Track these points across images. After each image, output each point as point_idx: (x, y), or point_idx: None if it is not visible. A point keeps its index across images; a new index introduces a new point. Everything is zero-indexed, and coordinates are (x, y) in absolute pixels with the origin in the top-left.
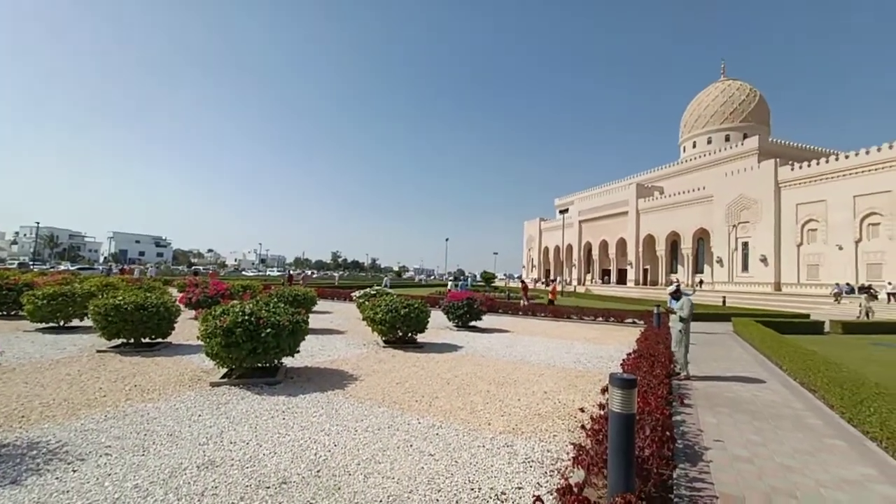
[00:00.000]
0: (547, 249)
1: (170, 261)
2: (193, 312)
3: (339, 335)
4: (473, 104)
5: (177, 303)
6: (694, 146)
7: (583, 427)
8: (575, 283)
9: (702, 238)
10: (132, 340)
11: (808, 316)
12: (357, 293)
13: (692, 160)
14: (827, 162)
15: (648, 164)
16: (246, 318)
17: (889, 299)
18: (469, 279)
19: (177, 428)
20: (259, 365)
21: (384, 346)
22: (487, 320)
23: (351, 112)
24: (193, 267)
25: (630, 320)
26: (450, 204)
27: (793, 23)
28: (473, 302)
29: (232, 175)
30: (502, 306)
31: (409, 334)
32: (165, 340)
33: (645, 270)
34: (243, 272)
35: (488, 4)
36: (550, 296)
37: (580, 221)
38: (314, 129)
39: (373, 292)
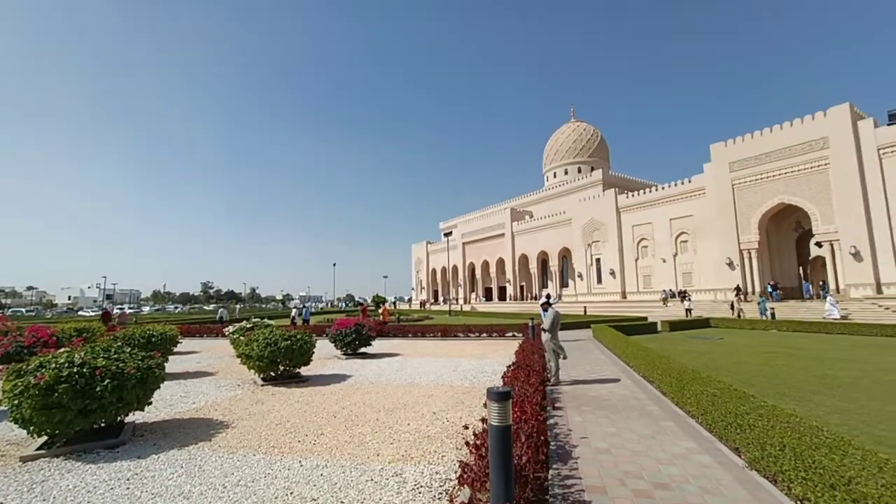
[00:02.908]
0: (434, 271)
1: None
2: None
3: (207, 377)
4: (364, 130)
5: None
6: (555, 176)
7: (467, 444)
8: (461, 301)
9: (565, 256)
10: None
11: (645, 318)
12: (230, 328)
13: (554, 188)
14: (649, 192)
15: (521, 190)
16: (75, 370)
17: (686, 314)
18: (309, 308)
19: None
20: (97, 425)
21: (263, 385)
22: (378, 345)
23: (223, 124)
24: None
25: (510, 334)
26: (339, 229)
27: (620, 82)
28: (362, 328)
29: (62, 200)
30: (393, 329)
31: (292, 369)
32: None
33: (521, 287)
34: (80, 312)
35: (381, 37)
36: (382, 317)
37: (464, 243)
38: (172, 143)
39: (249, 326)
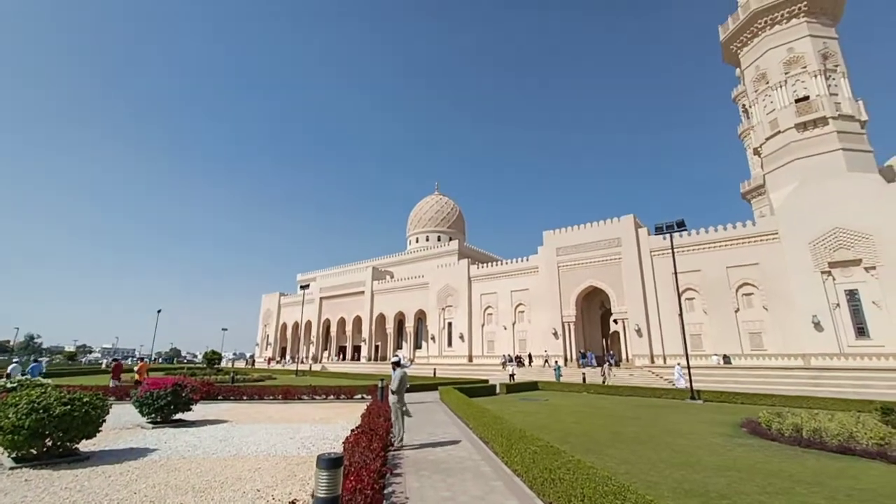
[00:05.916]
0: (285, 326)
1: None
2: None
3: None
4: (218, 158)
5: None
6: (417, 241)
7: None
8: (311, 361)
9: (421, 318)
10: None
11: (487, 381)
12: None
13: (415, 252)
14: (495, 265)
15: (384, 251)
16: None
17: (510, 379)
18: (43, 363)
19: None
20: None
21: (14, 468)
22: (201, 410)
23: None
24: None
25: (359, 396)
26: (171, 272)
27: (480, 162)
28: (182, 389)
29: None
30: (224, 391)
31: (68, 443)
32: None
33: (377, 347)
34: None
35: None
36: (139, 376)
37: (321, 298)
38: None
39: (10, 385)
